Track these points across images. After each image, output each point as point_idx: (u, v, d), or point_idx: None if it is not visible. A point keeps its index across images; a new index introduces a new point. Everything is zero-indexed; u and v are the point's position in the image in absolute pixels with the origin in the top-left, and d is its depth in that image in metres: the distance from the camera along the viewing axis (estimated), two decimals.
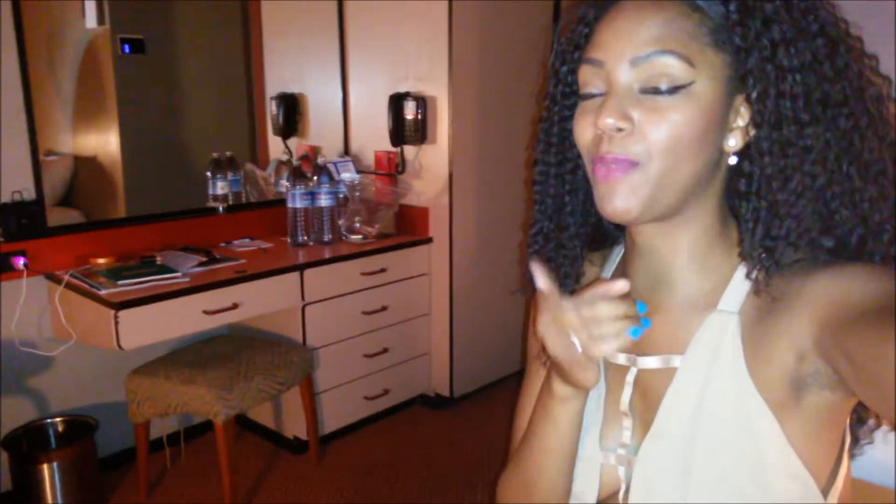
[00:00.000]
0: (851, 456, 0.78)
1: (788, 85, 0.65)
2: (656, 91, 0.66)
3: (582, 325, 0.67)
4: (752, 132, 0.68)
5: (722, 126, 0.68)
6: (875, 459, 0.81)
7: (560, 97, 0.78)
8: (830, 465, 0.71)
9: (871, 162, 0.68)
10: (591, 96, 0.70)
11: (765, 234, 0.67)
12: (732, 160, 0.70)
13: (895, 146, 0.70)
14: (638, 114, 0.66)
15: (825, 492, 0.69)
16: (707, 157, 0.68)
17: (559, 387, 0.75)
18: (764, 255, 0.68)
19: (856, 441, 0.80)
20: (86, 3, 2.73)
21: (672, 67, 0.65)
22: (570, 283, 0.75)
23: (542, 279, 0.68)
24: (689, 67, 0.65)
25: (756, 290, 0.69)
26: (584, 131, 0.71)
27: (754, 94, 0.66)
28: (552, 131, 0.79)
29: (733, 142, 0.69)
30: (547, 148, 0.80)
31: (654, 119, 0.66)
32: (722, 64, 0.66)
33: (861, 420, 0.80)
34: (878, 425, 0.80)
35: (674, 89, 0.65)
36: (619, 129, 0.66)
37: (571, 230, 0.81)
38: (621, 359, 0.78)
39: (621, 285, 0.66)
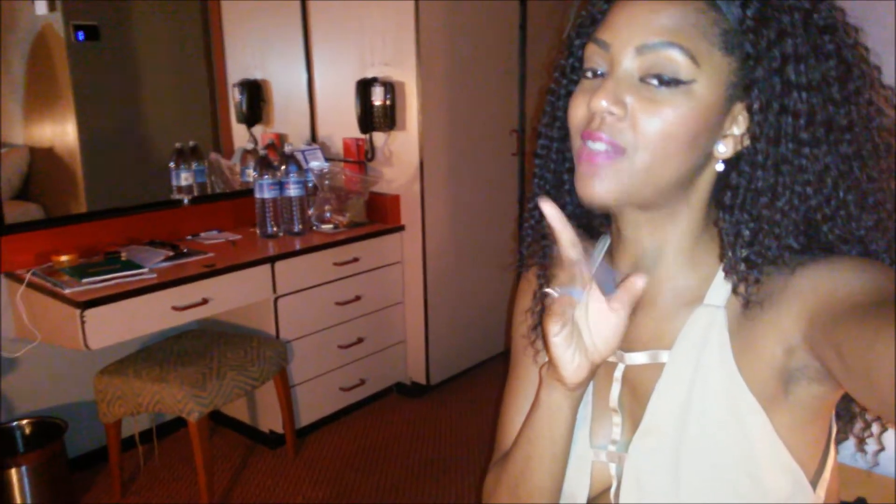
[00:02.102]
0: (837, 444, 0.78)
1: (793, 101, 0.64)
2: (656, 82, 0.64)
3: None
4: (746, 143, 0.67)
5: (715, 131, 0.67)
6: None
7: (569, 71, 0.77)
8: (819, 455, 0.71)
9: (870, 191, 0.67)
10: (593, 75, 0.69)
11: (746, 248, 0.67)
12: (719, 166, 0.69)
13: None
14: (632, 101, 0.65)
15: (814, 483, 0.70)
16: (694, 158, 0.67)
17: (545, 372, 0.74)
18: (746, 269, 0.67)
19: (843, 437, 0.81)
20: None
21: (676, 62, 0.63)
22: None
23: (556, 221, 0.65)
24: (693, 65, 0.64)
25: (744, 303, 0.68)
26: (577, 109, 0.69)
27: (756, 106, 0.65)
28: (558, 105, 0.78)
29: (724, 148, 0.68)
30: (551, 122, 0.79)
31: (647, 109, 0.64)
32: (728, 68, 0.65)
33: (852, 417, 0.80)
34: (867, 426, 0.80)
35: (673, 84, 0.64)
36: (611, 113, 0.65)
37: (568, 209, 0.79)
38: None
39: (641, 283, 0.65)
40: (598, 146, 0.66)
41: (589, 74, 0.70)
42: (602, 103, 0.65)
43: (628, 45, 0.65)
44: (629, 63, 0.65)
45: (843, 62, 0.65)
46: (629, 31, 0.65)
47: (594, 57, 0.69)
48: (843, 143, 0.65)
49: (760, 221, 0.66)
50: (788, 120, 0.64)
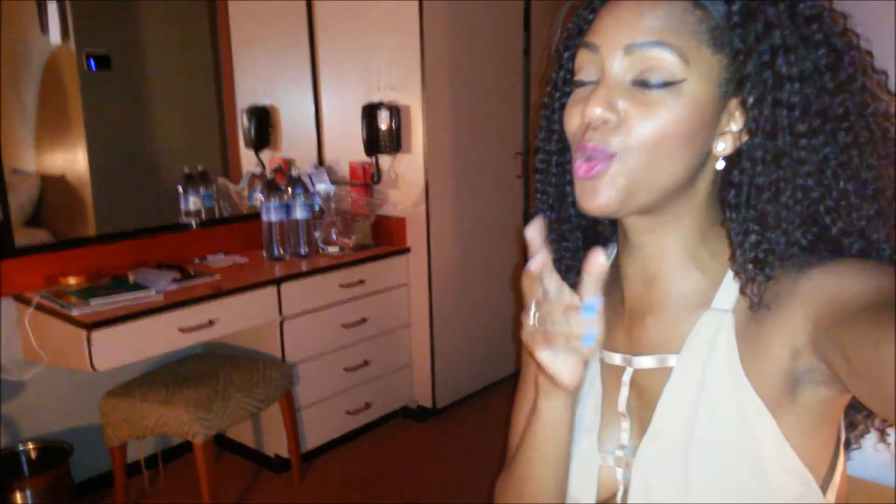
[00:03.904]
0: (847, 451, 0.77)
1: (786, 94, 0.64)
2: (647, 84, 0.64)
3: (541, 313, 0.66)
4: (745, 139, 0.67)
5: (712, 129, 0.67)
6: (873, 457, 0.81)
7: (561, 83, 0.77)
8: (828, 460, 0.70)
9: (869, 180, 0.66)
10: (584, 84, 0.69)
11: (755, 247, 0.66)
12: (720, 165, 0.69)
13: None
14: (625, 105, 0.65)
15: (824, 488, 0.69)
16: (692, 158, 0.67)
17: (542, 380, 0.74)
18: (755, 269, 0.67)
19: (846, 444, 0.80)
20: (49, 16, 2.67)
21: (666, 62, 0.64)
22: (572, 275, 0.73)
23: (534, 234, 0.65)
24: (683, 64, 0.64)
25: (750, 305, 0.68)
26: (572, 120, 0.70)
27: (750, 100, 0.65)
28: (553, 118, 0.78)
29: (723, 146, 0.68)
30: (548, 136, 0.79)
31: (640, 112, 0.64)
32: (718, 65, 0.65)
33: (853, 424, 0.79)
34: (868, 429, 0.79)
35: (665, 84, 0.64)
36: (605, 121, 0.65)
37: (573, 221, 0.80)
38: (616, 359, 0.77)
39: (600, 259, 0.63)
40: (592, 155, 0.66)
41: (581, 83, 0.70)
42: (596, 111, 0.65)
43: (616, 46, 0.65)
44: (619, 65, 0.66)
45: (833, 50, 0.65)
46: (617, 32, 0.66)
47: (584, 63, 0.69)
48: (840, 132, 0.65)
49: (766, 217, 0.66)
50: (783, 113, 0.64)
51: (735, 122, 0.67)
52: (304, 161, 3.38)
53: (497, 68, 3.34)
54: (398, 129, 3.04)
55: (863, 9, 0.68)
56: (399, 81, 3.05)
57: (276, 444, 2.80)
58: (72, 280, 2.45)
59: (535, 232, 0.65)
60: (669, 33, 0.64)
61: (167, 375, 2.52)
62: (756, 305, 0.67)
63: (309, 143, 3.42)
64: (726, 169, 0.69)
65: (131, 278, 2.52)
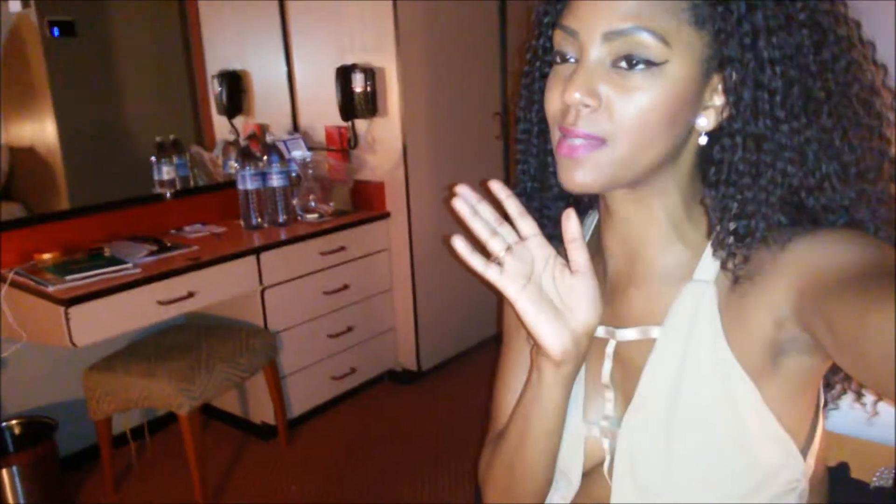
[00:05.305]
0: (824, 411, 0.79)
1: (767, 77, 0.62)
2: (628, 67, 0.63)
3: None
4: (726, 114, 0.66)
5: (695, 105, 0.66)
6: (850, 412, 0.83)
7: (541, 52, 0.75)
8: (808, 425, 0.72)
9: (851, 162, 0.66)
10: (565, 58, 0.68)
11: (734, 225, 0.66)
12: (703, 140, 0.68)
13: (884, 139, 0.67)
14: (607, 90, 0.64)
15: (804, 451, 0.70)
16: (676, 135, 0.66)
17: (535, 354, 0.74)
18: (734, 244, 0.66)
19: (823, 405, 0.81)
20: None
21: (646, 45, 0.62)
22: (555, 243, 0.73)
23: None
24: (664, 46, 0.62)
25: (734, 279, 0.68)
26: (552, 101, 0.68)
27: (731, 83, 0.64)
28: (533, 87, 0.77)
29: (705, 121, 0.67)
30: (528, 105, 0.78)
31: (622, 97, 0.63)
32: (700, 43, 0.63)
33: (829, 385, 0.81)
34: (844, 391, 0.81)
35: (646, 67, 0.62)
36: (586, 105, 0.64)
37: (555, 190, 0.79)
38: (600, 331, 0.77)
39: (572, 221, 0.69)
40: (577, 142, 0.66)
41: (559, 59, 0.68)
42: (576, 95, 0.64)
43: (595, 32, 0.64)
44: (598, 51, 0.64)
45: (817, 29, 0.63)
46: (595, 18, 0.64)
47: (563, 43, 0.67)
48: (822, 114, 0.64)
49: (745, 198, 0.65)
50: (764, 96, 0.63)
51: (718, 96, 0.66)
52: (278, 126, 3.32)
53: (473, 26, 3.28)
54: (373, 91, 2.99)
55: (863, 9, 0.66)
56: (373, 43, 2.99)
57: (263, 411, 2.81)
58: (46, 255, 2.42)
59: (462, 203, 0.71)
60: (648, 16, 0.62)
61: (150, 348, 2.51)
62: (737, 279, 0.67)
63: (282, 107, 3.35)
64: (708, 144, 0.69)
65: (107, 252, 2.49)
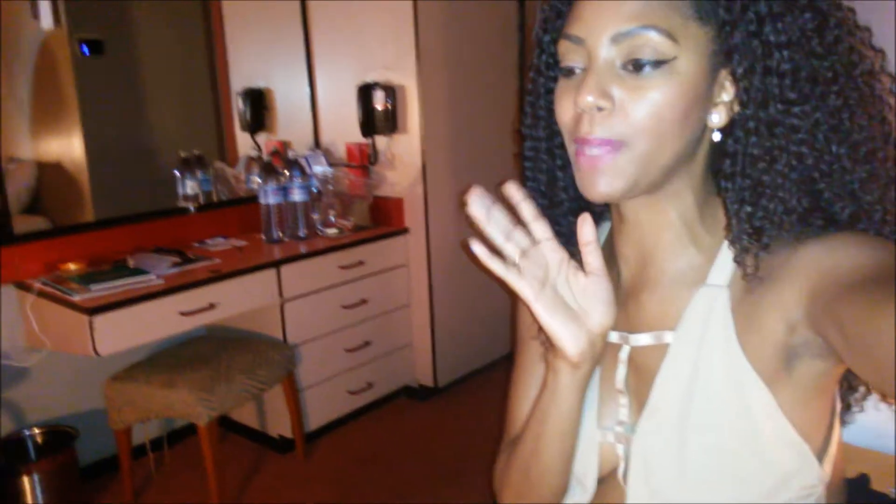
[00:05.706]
0: (842, 422, 0.78)
1: (775, 62, 0.63)
2: (638, 67, 0.64)
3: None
4: (737, 109, 0.67)
5: (706, 101, 0.67)
6: (871, 425, 0.82)
7: (545, 68, 0.76)
8: (823, 431, 0.71)
9: (861, 142, 0.66)
10: (572, 72, 0.68)
11: (751, 215, 0.66)
12: (716, 136, 0.69)
13: (886, 123, 0.68)
14: (619, 91, 0.64)
15: (820, 458, 0.70)
16: (690, 133, 0.67)
17: (550, 357, 0.74)
18: (751, 239, 0.67)
19: (847, 408, 0.81)
20: (40, 3, 2.65)
21: (654, 43, 0.63)
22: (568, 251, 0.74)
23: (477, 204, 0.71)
24: (671, 43, 0.63)
25: (746, 276, 0.68)
26: (564, 111, 0.69)
27: (740, 71, 0.64)
28: (539, 104, 0.77)
29: (717, 118, 0.68)
30: (535, 122, 0.78)
31: (635, 97, 0.64)
32: (706, 38, 0.64)
33: (851, 388, 0.80)
34: (869, 393, 0.80)
35: (656, 65, 0.63)
36: (600, 109, 0.65)
37: (565, 206, 0.80)
38: (613, 337, 0.77)
39: (587, 225, 0.68)
40: (596, 151, 0.66)
41: (567, 73, 0.69)
42: (589, 99, 0.64)
43: (602, 36, 0.64)
44: (606, 53, 0.65)
45: (819, 12, 0.64)
46: (600, 21, 0.64)
47: (569, 53, 0.68)
48: (831, 95, 0.65)
49: (762, 185, 0.66)
50: (774, 81, 0.63)
51: (726, 93, 0.67)
52: (300, 143, 3.37)
53: (492, 45, 3.32)
54: (394, 109, 3.02)
55: (863, 9, 0.68)
56: (394, 61, 3.03)
57: (280, 424, 2.82)
58: (72, 266, 2.46)
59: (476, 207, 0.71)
60: (653, 14, 0.63)
61: (170, 358, 2.54)
62: (751, 277, 0.67)
63: (305, 124, 3.40)
64: (721, 140, 0.69)
65: (131, 263, 2.53)
